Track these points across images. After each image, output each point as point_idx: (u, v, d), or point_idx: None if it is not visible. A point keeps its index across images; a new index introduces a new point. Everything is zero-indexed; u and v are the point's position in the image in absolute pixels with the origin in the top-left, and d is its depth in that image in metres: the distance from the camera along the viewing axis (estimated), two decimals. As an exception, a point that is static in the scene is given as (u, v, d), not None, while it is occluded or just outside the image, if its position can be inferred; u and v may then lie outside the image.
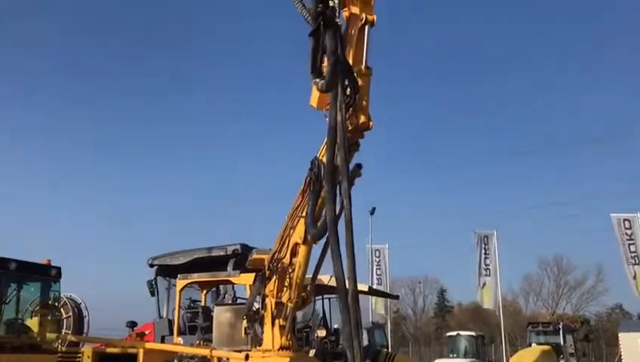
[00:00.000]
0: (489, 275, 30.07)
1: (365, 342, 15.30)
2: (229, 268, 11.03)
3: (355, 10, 5.21)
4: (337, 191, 4.39)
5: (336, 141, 4.26)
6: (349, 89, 4.68)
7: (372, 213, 31.56)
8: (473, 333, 27.69)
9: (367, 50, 5.31)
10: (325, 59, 4.29)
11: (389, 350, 20.34)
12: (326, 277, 11.74)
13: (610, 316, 55.15)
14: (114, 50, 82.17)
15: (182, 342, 10.56)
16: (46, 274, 10.66)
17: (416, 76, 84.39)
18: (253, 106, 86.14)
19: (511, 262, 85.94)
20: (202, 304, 11.75)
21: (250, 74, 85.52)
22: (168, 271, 12.54)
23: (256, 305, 7.27)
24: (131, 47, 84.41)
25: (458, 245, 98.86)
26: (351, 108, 4.93)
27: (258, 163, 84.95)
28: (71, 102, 79.54)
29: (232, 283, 10.82)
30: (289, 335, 6.82)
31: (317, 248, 6.50)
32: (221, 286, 12.02)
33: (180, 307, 10.92)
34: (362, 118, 5.24)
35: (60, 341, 10.89)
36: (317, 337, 12.75)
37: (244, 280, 9.61)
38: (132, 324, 13.13)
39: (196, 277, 10.62)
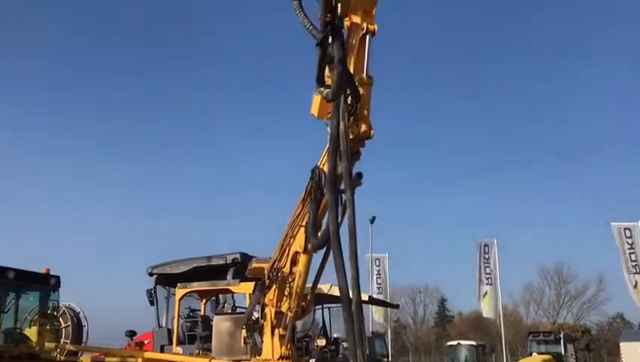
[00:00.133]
0: (490, 284, 30.02)
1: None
2: (229, 276, 10.99)
3: (357, 19, 5.24)
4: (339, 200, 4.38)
5: (338, 150, 4.25)
6: (349, 98, 4.70)
7: (372, 221, 31.65)
8: (474, 343, 27.67)
9: (368, 60, 5.36)
10: (327, 68, 4.30)
11: (389, 359, 20.25)
12: (326, 287, 11.75)
13: (612, 325, 55.08)
14: (114, 50, 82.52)
15: (181, 352, 10.50)
16: (45, 283, 10.63)
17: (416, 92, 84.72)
18: (253, 106, 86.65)
19: (511, 271, 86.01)
20: (202, 313, 11.73)
21: (250, 74, 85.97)
22: (168, 280, 12.50)
23: (256, 315, 7.23)
24: (131, 47, 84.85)
25: (459, 254, 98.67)
26: (352, 117, 4.95)
27: (258, 162, 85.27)
28: (71, 102, 79.88)
29: (232, 292, 10.78)
30: (289, 345, 6.79)
31: (317, 257, 6.48)
32: (220, 296, 11.98)
33: (179, 316, 10.89)
34: (363, 127, 5.28)
35: (58, 350, 10.88)
36: (317, 346, 12.71)
37: (244, 289, 9.58)
38: (131, 333, 13.09)
39: (196, 286, 10.59)
